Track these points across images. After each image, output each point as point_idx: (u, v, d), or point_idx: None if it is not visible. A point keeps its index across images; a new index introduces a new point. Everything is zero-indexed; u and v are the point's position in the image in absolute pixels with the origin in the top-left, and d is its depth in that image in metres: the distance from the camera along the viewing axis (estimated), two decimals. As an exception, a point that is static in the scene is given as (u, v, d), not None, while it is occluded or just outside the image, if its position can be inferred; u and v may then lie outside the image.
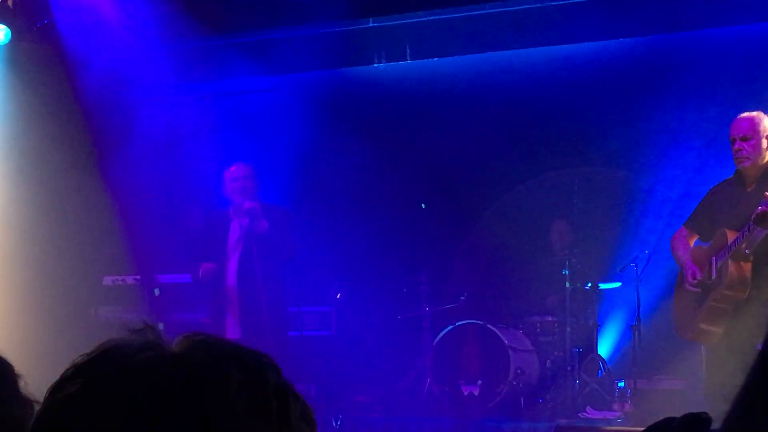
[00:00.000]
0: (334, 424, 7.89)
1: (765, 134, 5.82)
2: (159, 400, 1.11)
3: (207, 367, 1.15)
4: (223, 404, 1.12)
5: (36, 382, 2.76)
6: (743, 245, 5.62)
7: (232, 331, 7.09)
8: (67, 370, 1.18)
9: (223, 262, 7.24)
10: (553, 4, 8.38)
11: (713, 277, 5.78)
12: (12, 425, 2.18)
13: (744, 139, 5.80)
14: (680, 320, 6.09)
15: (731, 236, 5.71)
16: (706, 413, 1.59)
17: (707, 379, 5.95)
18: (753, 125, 5.82)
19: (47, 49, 9.15)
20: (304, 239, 8.04)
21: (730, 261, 5.68)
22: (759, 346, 1.18)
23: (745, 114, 5.91)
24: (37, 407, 1.27)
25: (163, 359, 1.15)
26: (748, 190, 5.88)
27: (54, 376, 1.18)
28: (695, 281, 5.85)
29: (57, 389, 1.16)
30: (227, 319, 7.18)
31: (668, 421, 1.64)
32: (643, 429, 1.67)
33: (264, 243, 7.08)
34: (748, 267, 5.71)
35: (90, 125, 9.44)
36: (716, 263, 5.78)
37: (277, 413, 1.17)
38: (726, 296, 5.70)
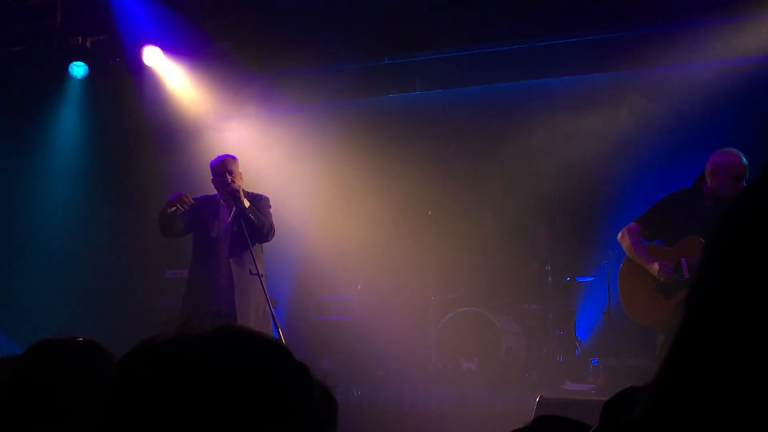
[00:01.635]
0: (355, 395, 7.90)
1: None
2: (190, 381, 1.07)
3: (230, 355, 1.10)
4: (246, 388, 1.08)
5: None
6: None
7: (227, 308, 6.45)
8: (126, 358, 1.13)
9: (212, 246, 6.60)
10: (532, 45, 8.40)
11: (686, 276, 5.69)
12: None
13: (746, 179, 5.77)
14: (638, 308, 5.97)
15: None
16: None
17: (660, 352, 5.87)
18: None
19: (119, 83, 9.21)
20: (328, 242, 7.98)
21: None
22: None
23: (742, 155, 5.80)
24: None
25: (194, 344, 1.10)
26: (707, 205, 5.84)
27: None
28: (667, 270, 5.73)
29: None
30: (219, 302, 6.49)
31: (633, 389, 1.64)
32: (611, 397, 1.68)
33: (254, 226, 6.49)
34: None
35: (152, 141, 9.50)
36: (689, 265, 5.67)
37: (300, 396, 1.12)
38: None
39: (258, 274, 6.31)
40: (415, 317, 9.37)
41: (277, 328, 6.04)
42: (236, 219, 6.49)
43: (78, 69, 8.94)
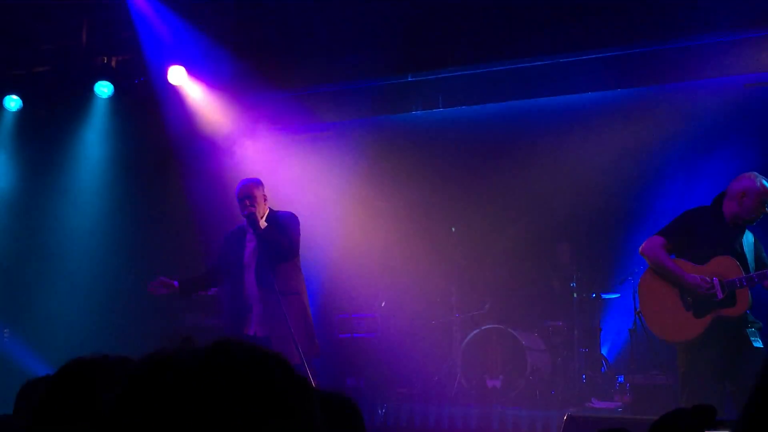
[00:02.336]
0: (380, 412, 7.88)
1: None
2: (187, 398, 1.08)
3: (232, 366, 1.12)
4: (248, 399, 1.09)
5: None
6: (759, 281, 5.57)
7: (262, 330, 6.61)
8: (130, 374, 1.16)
9: (241, 273, 6.76)
10: (556, 61, 8.39)
11: (720, 297, 5.64)
12: None
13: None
14: (664, 325, 5.90)
15: (742, 269, 5.63)
16: (711, 405, 1.56)
17: (690, 376, 5.80)
18: None
19: (144, 103, 9.27)
20: (352, 259, 7.97)
21: (748, 289, 5.61)
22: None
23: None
24: None
25: (193, 360, 1.13)
26: (730, 228, 5.80)
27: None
28: (706, 285, 5.68)
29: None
30: (250, 325, 6.66)
31: (679, 412, 1.61)
32: (654, 418, 1.64)
33: (270, 246, 6.60)
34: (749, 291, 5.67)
35: (177, 160, 9.55)
36: (725, 286, 5.63)
37: (298, 407, 1.14)
38: (739, 315, 5.62)
39: (279, 293, 6.35)
40: (440, 334, 9.35)
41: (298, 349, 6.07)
42: (259, 243, 6.61)
43: (103, 88, 9.02)
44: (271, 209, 6.71)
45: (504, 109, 9.51)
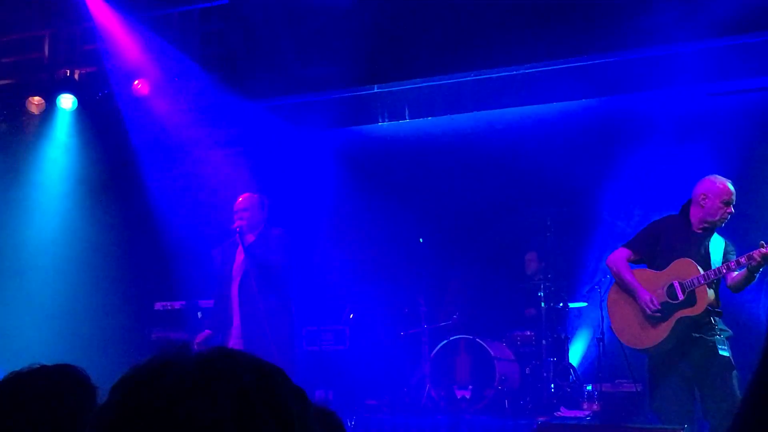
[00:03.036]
0: (349, 424, 7.84)
1: None
2: (183, 404, 1.07)
3: (223, 373, 1.11)
4: (239, 407, 1.08)
5: (100, 396, 2.72)
6: (716, 276, 5.61)
7: (246, 343, 6.71)
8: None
9: (228, 285, 6.89)
10: (521, 72, 8.43)
11: (680, 298, 5.68)
12: None
13: (733, 205, 5.82)
14: (632, 334, 5.95)
15: (700, 268, 5.66)
16: None
17: (657, 383, 5.85)
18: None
19: (108, 115, 9.19)
20: (323, 270, 7.96)
21: (706, 287, 5.63)
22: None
23: (729, 181, 5.86)
24: None
25: (186, 368, 1.12)
26: (696, 233, 5.86)
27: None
28: (654, 306, 5.73)
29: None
30: (230, 338, 6.77)
31: None
32: (622, 425, 1.64)
33: (260, 265, 6.74)
34: (713, 292, 5.69)
35: (142, 174, 9.47)
36: (684, 287, 5.67)
37: (295, 416, 1.12)
38: (696, 316, 5.64)
39: (263, 309, 6.42)
40: (408, 345, 9.33)
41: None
42: (246, 257, 6.76)
43: (66, 101, 8.94)
44: (266, 225, 6.77)
45: (470, 119, 9.53)
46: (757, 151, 8.43)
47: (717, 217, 5.79)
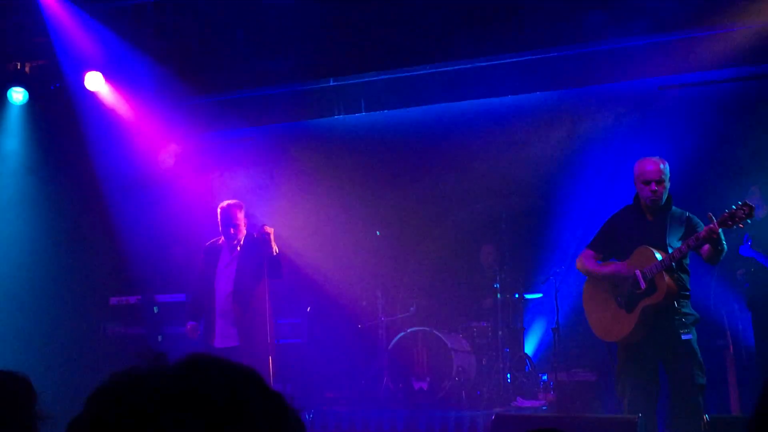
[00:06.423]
0: (307, 417, 7.83)
1: (667, 178, 5.88)
2: (164, 413, 1.07)
3: (209, 382, 1.11)
4: (230, 411, 1.09)
5: (52, 392, 2.69)
6: (671, 261, 5.63)
7: (228, 342, 7.03)
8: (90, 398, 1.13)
9: (212, 287, 7.15)
10: (476, 65, 8.46)
11: (642, 287, 5.73)
12: None
13: (659, 183, 5.81)
14: (605, 327, 6.00)
15: (659, 254, 5.69)
16: None
17: (624, 370, 5.90)
18: (663, 171, 5.84)
19: (59, 108, 9.06)
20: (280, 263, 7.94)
21: (664, 273, 5.66)
22: None
23: (655, 159, 5.83)
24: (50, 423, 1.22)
25: (166, 377, 1.12)
26: (649, 219, 5.91)
27: (70, 386, 1.15)
28: (626, 274, 5.78)
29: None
30: (221, 330, 7.09)
31: None
32: (578, 414, 1.65)
33: (246, 266, 7.11)
34: (673, 278, 5.72)
35: (96, 167, 9.34)
36: (644, 275, 5.71)
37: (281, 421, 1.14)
38: (659, 303, 5.68)
39: (247, 309, 6.84)
40: (366, 338, 9.34)
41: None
42: (232, 260, 7.12)
43: (17, 95, 8.79)
44: (248, 228, 7.12)
45: (427, 112, 9.55)
46: (711, 140, 8.53)
47: (649, 197, 5.84)
